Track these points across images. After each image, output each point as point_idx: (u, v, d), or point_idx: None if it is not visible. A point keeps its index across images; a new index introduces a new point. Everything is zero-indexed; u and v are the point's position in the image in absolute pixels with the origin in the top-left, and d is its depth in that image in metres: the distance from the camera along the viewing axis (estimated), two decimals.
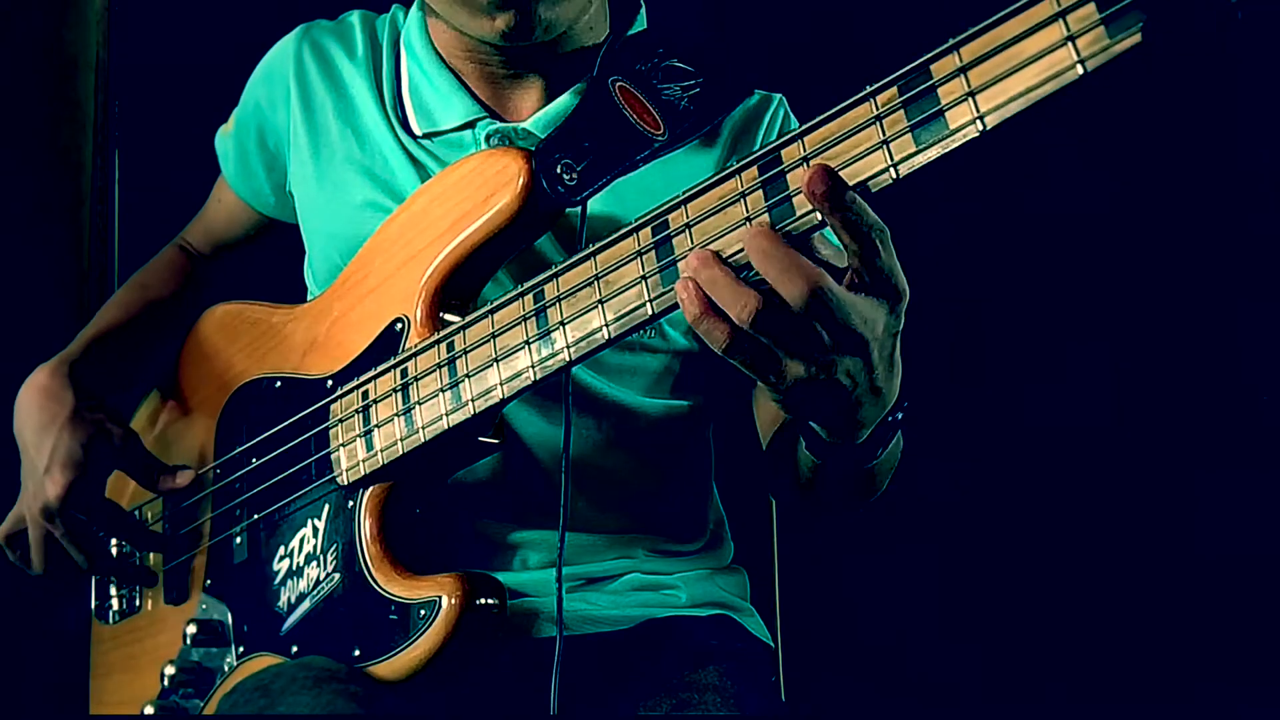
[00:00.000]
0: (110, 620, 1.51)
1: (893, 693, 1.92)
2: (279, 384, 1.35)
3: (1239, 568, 1.81)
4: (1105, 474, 1.90)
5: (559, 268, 1.09)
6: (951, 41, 0.85)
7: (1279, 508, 1.81)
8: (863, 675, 1.91)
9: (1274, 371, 1.82)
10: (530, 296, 1.11)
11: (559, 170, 1.17)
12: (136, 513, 1.49)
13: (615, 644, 1.28)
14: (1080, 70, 0.79)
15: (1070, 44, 0.79)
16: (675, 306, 1.00)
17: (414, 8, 1.41)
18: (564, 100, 1.31)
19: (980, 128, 0.84)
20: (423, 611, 1.13)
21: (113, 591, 1.50)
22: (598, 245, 1.06)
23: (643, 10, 1.38)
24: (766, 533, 1.55)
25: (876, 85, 0.88)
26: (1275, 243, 1.77)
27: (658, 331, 1.33)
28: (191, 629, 1.34)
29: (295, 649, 1.24)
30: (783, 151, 0.93)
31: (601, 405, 1.32)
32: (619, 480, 1.33)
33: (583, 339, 1.06)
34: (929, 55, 0.86)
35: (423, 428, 1.17)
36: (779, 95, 1.41)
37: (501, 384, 1.12)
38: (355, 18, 1.46)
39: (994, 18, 0.83)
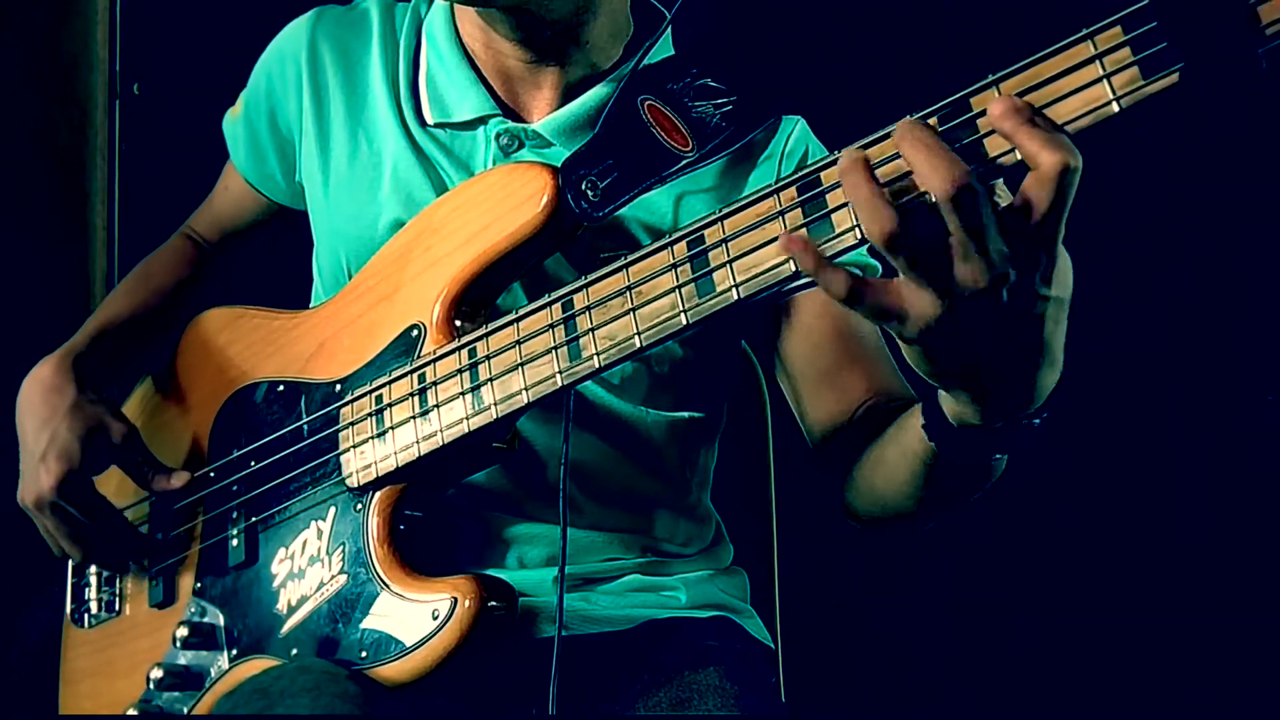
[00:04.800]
0: (86, 624, 1.48)
1: (892, 693, 1.95)
2: (281, 387, 1.36)
3: (1239, 566, 1.87)
4: (1107, 473, 1.94)
5: (588, 279, 1.12)
6: (991, 78, 0.91)
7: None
8: (863, 675, 1.93)
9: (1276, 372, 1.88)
10: (558, 305, 1.14)
11: (584, 186, 1.21)
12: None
13: (615, 644, 1.30)
14: (1116, 108, 0.86)
15: (1106, 81, 0.86)
16: (709, 318, 1.03)
17: None
18: (577, 105, 1.32)
19: (1016, 158, 0.90)
20: (437, 611, 1.14)
21: (89, 595, 1.48)
22: (629, 258, 1.10)
23: (668, 31, 1.38)
24: (766, 534, 1.58)
25: (919, 115, 0.93)
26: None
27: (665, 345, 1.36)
28: (182, 631, 1.33)
29: (295, 651, 1.24)
30: (822, 173, 0.98)
31: (603, 412, 1.34)
32: (619, 483, 1.36)
33: (613, 346, 1.09)
34: (969, 89, 0.92)
35: (442, 430, 1.19)
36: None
37: (526, 389, 1.14)
38: (373, 4, 1.44)
39: (1031, 58, 0.90)
